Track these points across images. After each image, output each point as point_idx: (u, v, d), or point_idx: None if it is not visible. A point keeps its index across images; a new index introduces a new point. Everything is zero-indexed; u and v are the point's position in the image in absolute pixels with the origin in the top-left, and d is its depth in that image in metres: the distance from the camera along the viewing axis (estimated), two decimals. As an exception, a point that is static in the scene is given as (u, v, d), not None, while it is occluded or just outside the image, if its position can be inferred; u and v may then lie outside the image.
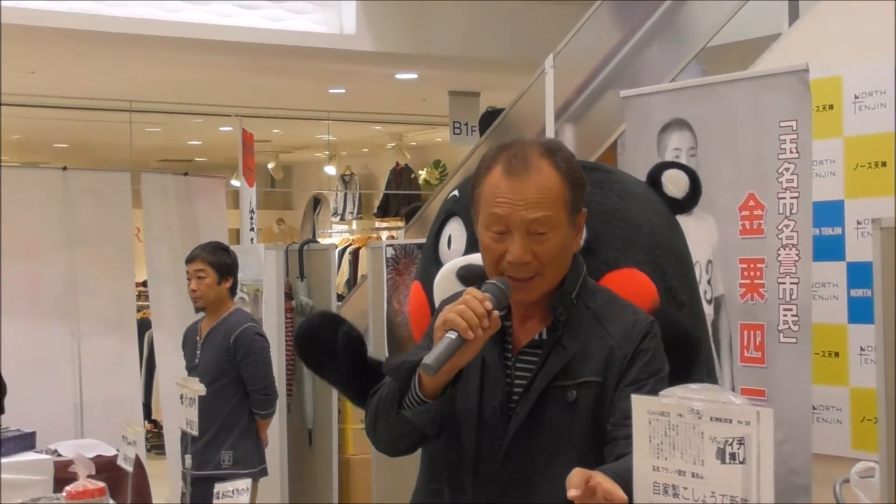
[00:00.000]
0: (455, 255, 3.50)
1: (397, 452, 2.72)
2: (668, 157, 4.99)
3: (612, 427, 2.52)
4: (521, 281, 2.54)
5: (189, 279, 6.22)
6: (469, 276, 3.32)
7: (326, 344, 3.42)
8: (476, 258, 3.43)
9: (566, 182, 2.56)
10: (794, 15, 5.85)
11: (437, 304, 3.32)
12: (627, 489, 2.05)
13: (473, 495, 2.61)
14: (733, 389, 4.58)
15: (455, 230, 3.55)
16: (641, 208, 3.51)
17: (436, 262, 3.57)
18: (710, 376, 3.60)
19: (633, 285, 3.24)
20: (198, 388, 3.87)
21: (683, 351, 3.06)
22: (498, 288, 2.48)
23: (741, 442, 1.82)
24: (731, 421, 1.83)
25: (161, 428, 9.72)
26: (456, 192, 3.66)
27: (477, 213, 2.61)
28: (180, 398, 4.15)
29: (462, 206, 3.49)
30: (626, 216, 3.42)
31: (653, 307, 3.20)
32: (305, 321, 3.51)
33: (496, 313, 2.44)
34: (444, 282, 3.48)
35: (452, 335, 2.38)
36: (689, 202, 3.72)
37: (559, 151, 2.60)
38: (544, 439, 2.56)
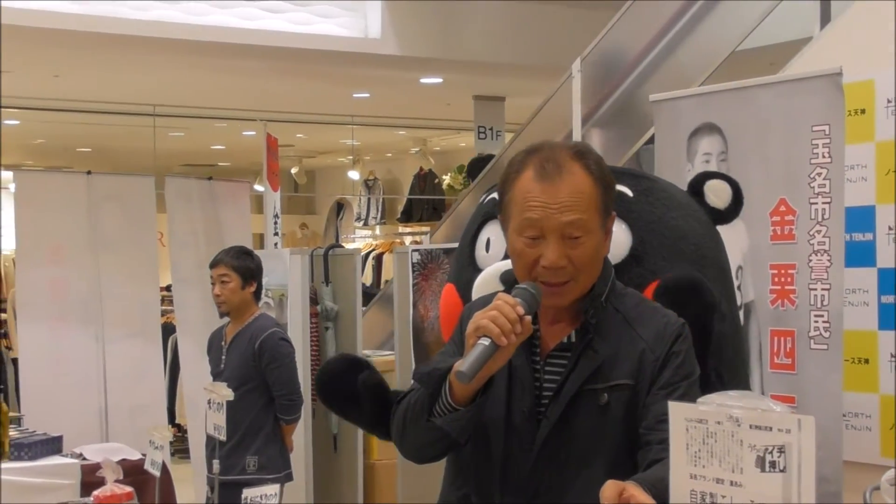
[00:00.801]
0: (494, 259, 3.48)
1: (425, 460, 2.69)
2: (698, 161, 4.95)
3: (644, 431, 2.49)
4: (554, 286, 2.52)
5: (213, 284, 6.21)
6: (513, 281, 3.32)
7: (348, 388, 3.41)
8: None
9: (598, 185, 2.53)
10: (825, 18, 5.80)
11: None
12: (662, 500, 2.02)
13: (502, 502, 2.58)
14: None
15: (493, 234, 3.52)
16: (686, 218, 3.48)
17: (472, 266, 3.55)
18: (741, 381, 3.56)
19: None
20: (226, 392, 3.87)
21: (696, 305, 3.06)
22: (529, 293, 2.45)
23: (781, 450, 1.79)
24: (771, 429, 1.80)
25: (185, 432, 9.72)
26: (495, 195, 3.63)
27: (507, 218, 2.58)
28: (208, 403, 4.14)
29: None
30: (672, 225, 3.39)
31: None
32: (324, 365, 3.48)
33: (528, 318, 2.41)
34: (487, 285, 3.45)
35: (486, 342, 2.35)
36: (731, 213, 3.70)
37: (590, 154, 2.59)
38: (575, 444, 2.53)
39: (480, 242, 3.54)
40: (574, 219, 2.48)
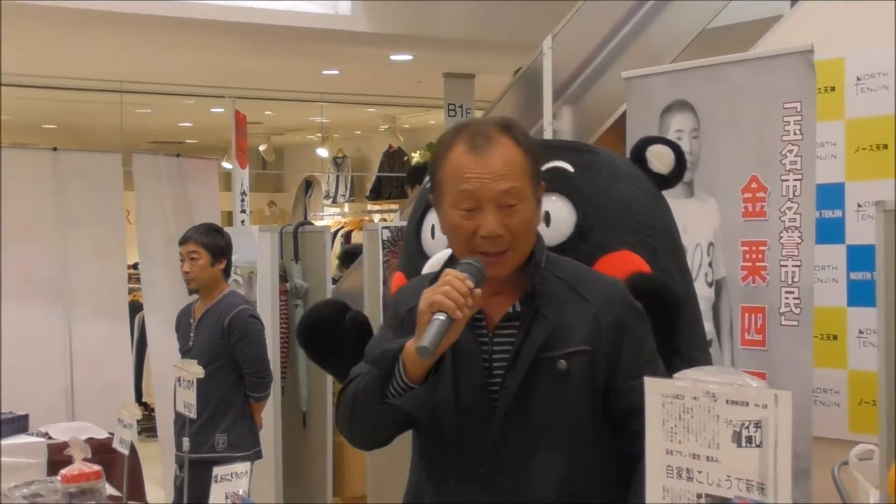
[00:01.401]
0: (439, 245, 3.45)
1: (375, 444, 2.71)
2: (671, 138, 4.95)
3: (621, 414, 2.56)
4: (494, 256, 2.54)
5: (182, 261, 6.18)
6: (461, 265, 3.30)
7: (333, 330, 3.38)
8: None
9: (527, 155, 2.58)
10: (796, -4, 5.81)
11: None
12: None
13: (458, 481, 2.61)
14: (733, 373, 4.55)
15: (437, 220, 3.51)
16: (631, 188, 3.45)
17: (419, 253, 3.52)
18: (703, 352, 3.57)
19: (627, 269, 3.20)
20: (196, 370, 3.84)
21: (664, 309, 3.04)
22: (474, 267, 2.47)
23: (758, 425, 1.79)
24: (747, 404, 1.81)
25: (152, 411, 9.69)
26: None
27: (441, 195, 2.61)
28: (178, 381, 4.11)
29: None
30: (616, 197, 3.37)
31: None
32: (313, 307, 3.46)
33: (478, 291, 2.43)
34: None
35: (441, 316, 2.37)
36: (675, 177, 3.67)
37: (516, 126, 2.64)
38: (535, 414, 2.55)
39: (426, 229, 3.52)
40: (509, 186, 2.52)
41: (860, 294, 4.98)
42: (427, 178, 3.65)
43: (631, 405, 2.48)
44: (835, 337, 5.08)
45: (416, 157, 16.14)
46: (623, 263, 3.23)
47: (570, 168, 3.33)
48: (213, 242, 6.15)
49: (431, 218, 3.51)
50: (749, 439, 1.80)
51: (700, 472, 1.87)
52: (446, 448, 2.61)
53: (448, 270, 2.46)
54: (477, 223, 2.52)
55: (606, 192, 3.35)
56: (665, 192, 4.67)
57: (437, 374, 2.45)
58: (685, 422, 1.88)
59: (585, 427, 2.57)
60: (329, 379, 7.19)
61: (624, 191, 3.41)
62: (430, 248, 3.49)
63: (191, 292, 6.30)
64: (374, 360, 2.53)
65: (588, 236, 3.24)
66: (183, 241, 6.20)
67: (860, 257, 4.97)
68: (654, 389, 1.93)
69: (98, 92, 13.80)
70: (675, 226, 3.66)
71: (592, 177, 3.37)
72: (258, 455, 6.23)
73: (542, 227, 3.55)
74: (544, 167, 3.65)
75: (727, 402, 1.82)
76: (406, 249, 3.68)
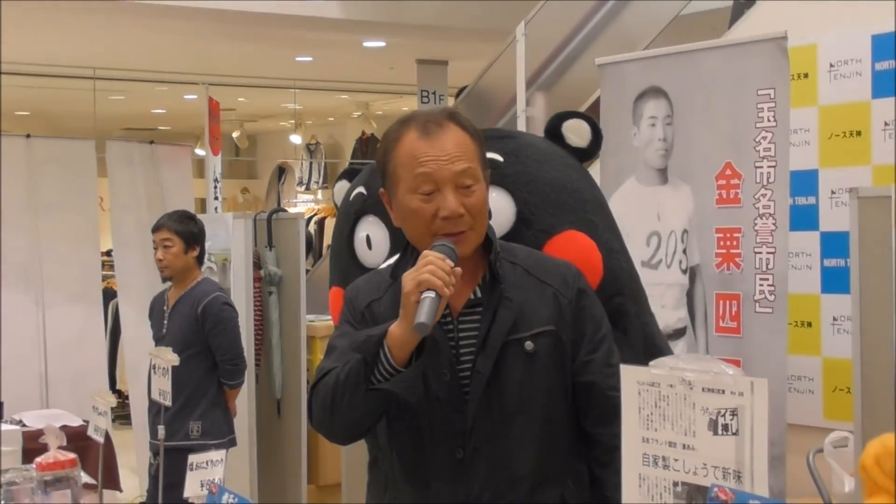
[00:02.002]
0: (379, 254, 3.43)
1: (355, 436, 2.73)
2: (644, 125, 4.97)
3: (584, 390, 2.66)
4: (454, 236, 2.57)
5: (155, 248, 6.15)
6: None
7: None
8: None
9: (474, 139, 2.64)
10: (769, -17, 5.81)
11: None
12: None
13: (435, 469, 2.62)
14: (708, 359, 4.57)
15: (372, 229, 3.49)
16: (558, 167, 3.49)
17: (355, 265, 3.50)
18: (646, 307, 3.62)
19: (576, 248, 3.27)
20: (171, 357, 3.82)
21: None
22: (448, 248, 2.51)
23: (734, 413, 1.79)
24: (723, 392, 1.80)
25: (125, 398, 9.66)
26: (363, 190, 3.58)
27: (396, 182, 2.62)
28: (152, 368, 4.09)
29: (376, 203, 3.40)
30: (548, 179, 3.40)
31: (598, 265, 3.33)
32: None
33: (458, 269, 2.47)
34: None
35: (431, 294, 2.41)
36: (593, 149, 3.68)
37: (460, 114, 2.71)
38: (506, 395, 2.59)
39: (359, 240, 3.50)
40: (465, 167, 2.58)
41: (834, 281, 5.00)
42: (352, 193, 3.62)
43: (593, 377, 2.63)
44: (809, 324, 5.10)
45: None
46: (571, 243, 3.29)
47: (499, 158, 3.35)
48: (186, 230, 6.12)
49: (364, 229, 3.49)
50: (725, 427, 1.80)
51: (676, 460, 1.86)
52: (419, 437, 2.62)
53: (426, 252, 2.48)
54: (436, 205, 2.56)
55: (538, 176, 3.39)
56: (639, 180, 4.71)
57: (420, 356, 2.47)
58: (661, 409, 1.88)
59: (556, 405, 2.64)
60: (303, 367, 7.19)
61: (553, 171, 3.44)
62: (367, 260, 3.47)
63: (164, 280, 6.27)
64: (357, 346, 2.52)
65: (531, 222, 3.29)
66: (156, 229, 6.18)
67: (834, 244, 4.99)
68: (631, 377, 1.93)
69: (71, 79, 13.76)
70: (603, 196, 3.70)
71: (522, 162, 3.41)
72: (233, 442, 6.22)
73: None
74: None
75: (703, 389, 1.82)
76: (338, 264, 3.65)
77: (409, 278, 2.44)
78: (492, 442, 2.58)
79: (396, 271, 2.69)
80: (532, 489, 2.61)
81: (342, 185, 3.96)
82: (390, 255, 3.42)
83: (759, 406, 1.77)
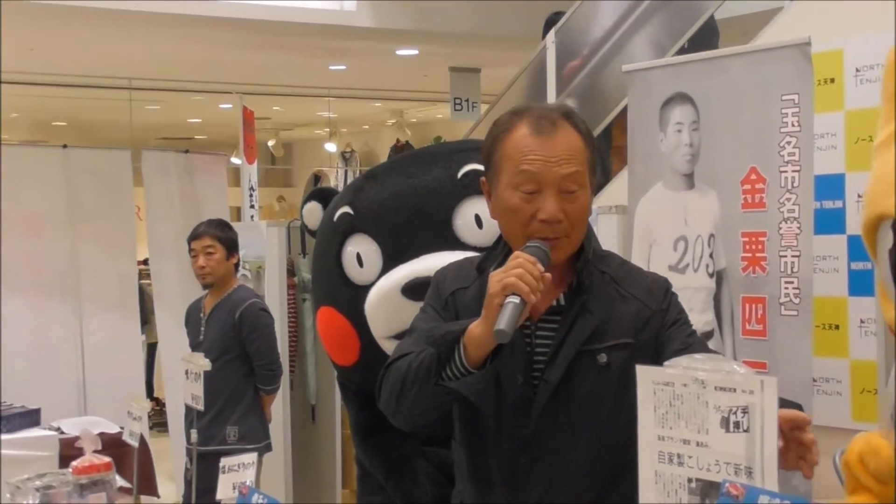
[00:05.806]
0: (371, 272, 3.42)
1: (419, 425, 2.69)
2: (671, 131, 4.99)
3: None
4: (549, 241, 2.51)
5: (195, 256, 6.18)
6: (417, 290, 3.28)
7: None
8: (417, 269, 3.41)
9: (586, 143, 2.58)
10: (796, -12, 5.83)
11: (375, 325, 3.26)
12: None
13: (498, 470, 2.60)
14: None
15: (362, 247, 3.48)
16: None
17: (345, 283, 3.49)
18: None
19: None
20: (203, 363, 3.88)
21: None
22: (541, 251, 2.45)
23: (745, 411, 1.83)
24: (734, 390, 1.84)
25: (163, 405, 9.74)
26: (348, 210, 3.57)
27: (497, 174, 2.58)
28: (186, 374, 4.15)
29: (364, 221, 3.40)
30: None
31: None
32: None
33: (548, 275, 2.41)
34: (388, 300, 3.40)
35: (515, 299, 2.34)
36: None
37: (576, 114, 2.63)
38: (573, 406, 2.54)
39: (349, 259, 3.48)
40: (572, 171, 2.51)
41: (861, 284, 5.00)
42: (336, 213, 3.63)
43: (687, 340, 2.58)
44: (836, 326, 5.10)
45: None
46: None
47: None
48: (227, 237, 6.19)
49: (354, 247, 3.49)
50: (737, 424, 1.83)
51: (690, 457, 1.90)
52: (486, 437, 2.61)
53: (517, 253, 2.43)
54: (536, 206, 2.51)
55: None
56: (666, 185, 4.74)
57: (495, 360, 2.42)
58: (676, 408, 1.91)
59: (627, 419, 2.48)
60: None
61: None
62: (358, 278, 3.45)
63: (205, 287, 6.31)
64: (434, 340, 2.47)
65: None
66: (196, 237, 6.21)
67: (861, 247, 4.96)
68: (646, 377, 1.97)
69: (107, 89, 13.84)
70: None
71: None
72: (268, 448, 6.28)
73: (474, 230, 3.58)
74: (462, 171, 3.69)
75: (715, 388, 1.86)
76: (324, 283, 3.63)
77: (495, 279, 2.38)
78: (553, 452, 2.55)
79: (484, 264, 2.65)
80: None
81: (312, 207, 3.93)
82: (383, 271, 3.43)
83: (769, 403, 1.80)
